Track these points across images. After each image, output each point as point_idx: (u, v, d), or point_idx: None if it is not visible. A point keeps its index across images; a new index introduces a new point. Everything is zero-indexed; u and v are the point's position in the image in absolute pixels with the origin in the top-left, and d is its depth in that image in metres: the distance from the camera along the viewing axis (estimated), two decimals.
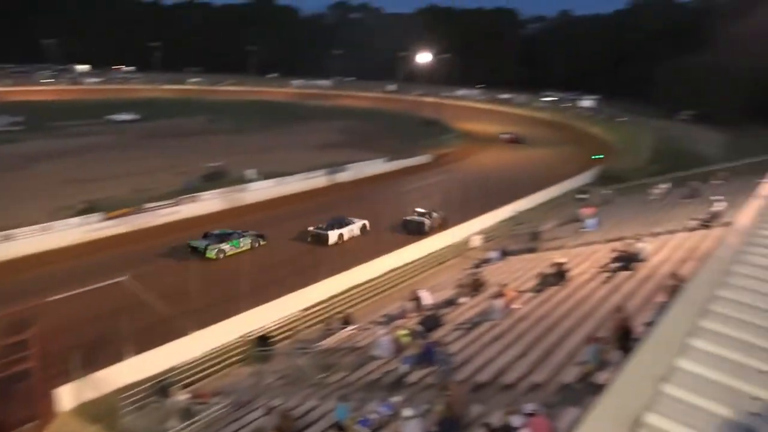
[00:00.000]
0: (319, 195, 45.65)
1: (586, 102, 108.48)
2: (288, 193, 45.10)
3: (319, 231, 32.60)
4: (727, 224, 20.28)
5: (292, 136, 75.84)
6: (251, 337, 21.27)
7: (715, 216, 24.39)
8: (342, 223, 33.59)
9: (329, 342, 20.74)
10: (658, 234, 25.30)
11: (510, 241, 32.07)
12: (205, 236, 30.70)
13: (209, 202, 39.34)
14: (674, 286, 12.90)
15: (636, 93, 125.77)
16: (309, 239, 32.28)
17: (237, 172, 47.99)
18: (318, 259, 28.24)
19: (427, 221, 35.42)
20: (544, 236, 31.11)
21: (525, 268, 25.11)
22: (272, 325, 22.60)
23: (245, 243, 30.96)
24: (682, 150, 71.14)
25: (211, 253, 29.44)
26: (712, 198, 26.57)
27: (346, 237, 33.07)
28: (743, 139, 79.80)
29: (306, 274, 26.11)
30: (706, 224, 24.12)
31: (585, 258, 24.35)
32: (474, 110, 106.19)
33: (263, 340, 21.09)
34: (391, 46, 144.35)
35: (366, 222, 34.51)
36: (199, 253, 29.48)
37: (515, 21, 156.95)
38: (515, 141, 59.93)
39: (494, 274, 25.20)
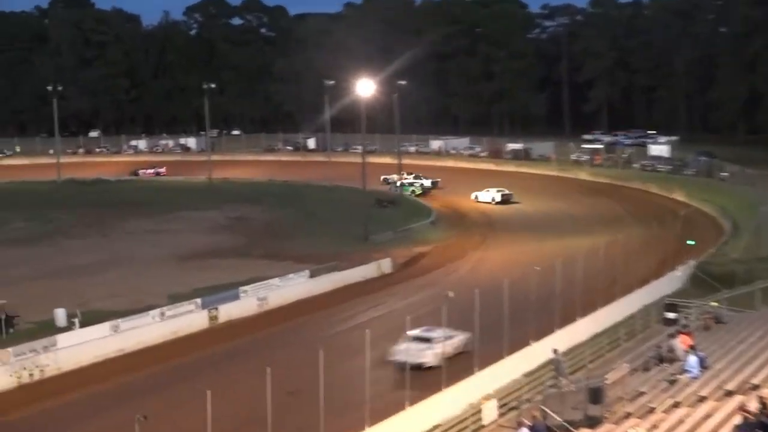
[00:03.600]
0: (192, 347, 44.66)
1: (659, 147, 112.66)
2: (133, 348, 44.03)
3: None
4: None
5: (138, 239, 75.88)
6: None
7: None
8: None
9: None
10: None
11: (550, 406, 31.97)
12: None
13: None
14: None
15: (742, 125, 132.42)
16: None
17: (35, 314, 47.28)
18: None
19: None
20: (610, 394, 31.19)
21: None
22: None
23: None
24: None
25: None
26: None
27: None
28: None
29: None
30: None
31: (691, 429, 24.46)
32: (465, 173, 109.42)
33: None
34: (307, 72, 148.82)
35: None
36: None
37: (526, 18, 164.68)
38: None
39: None
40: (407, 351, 37.10)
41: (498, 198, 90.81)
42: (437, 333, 39.35)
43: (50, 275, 60.14)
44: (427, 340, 39.11)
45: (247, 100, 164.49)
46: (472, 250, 68.87)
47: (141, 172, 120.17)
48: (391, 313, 48.56)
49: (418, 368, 36.21)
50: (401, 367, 35.80)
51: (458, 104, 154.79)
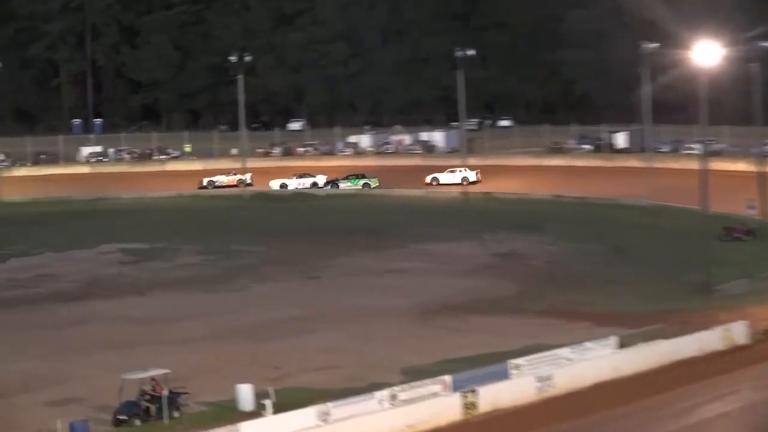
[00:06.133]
0: None
1: None
2: None
3: None
4: None
5: (359, 283, 78.25)
6: None
7: None
8: None
9: None
10: None
11: None
12: None
13: None
14: None
15: None
16: None
17: (211, 390, 48.85)
18: None
19: None
20: None
21: None
22: None
23: None
24: None
25: None
26: None
27: None
28: None
29: None
30: None
31: None
32: None
33: None
34: (615, 31, 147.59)
35: None
36: None
37: None
38: None
39: None
40: None
41: (472, 177, 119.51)
42: None
43: (232, 334, 61.97)
44: None
45: (521, 74, 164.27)
46: None
47: None
48: (747, 408, 46.98)
49: None
50: None
51: None
